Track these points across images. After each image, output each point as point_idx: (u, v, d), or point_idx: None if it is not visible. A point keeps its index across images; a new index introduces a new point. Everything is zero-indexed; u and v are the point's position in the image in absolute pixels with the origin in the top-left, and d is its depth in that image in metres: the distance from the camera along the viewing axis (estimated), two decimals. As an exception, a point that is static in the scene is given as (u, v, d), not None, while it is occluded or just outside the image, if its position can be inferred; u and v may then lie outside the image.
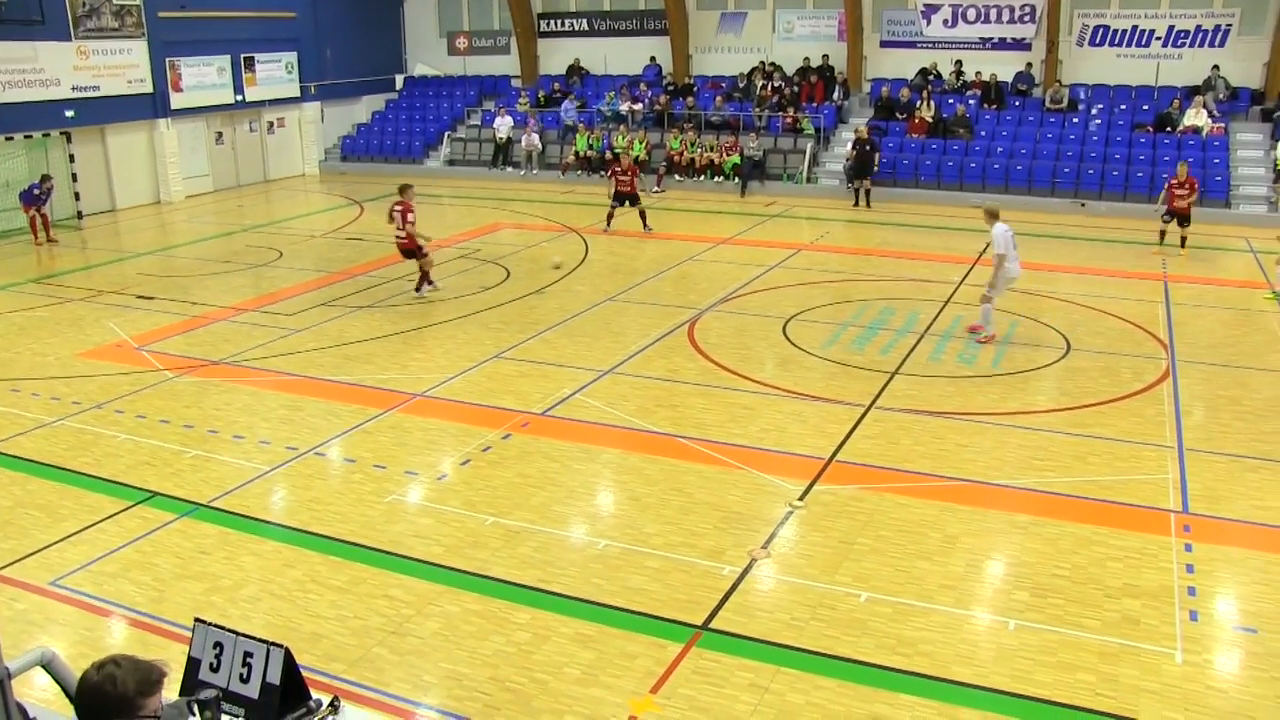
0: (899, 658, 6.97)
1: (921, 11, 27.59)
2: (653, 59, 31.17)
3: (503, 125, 29.57)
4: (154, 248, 21.32)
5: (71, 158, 24.52)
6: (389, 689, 6.70)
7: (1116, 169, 23.74)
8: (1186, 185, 19.19)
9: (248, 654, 4.42)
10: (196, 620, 4.68)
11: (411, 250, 16.16)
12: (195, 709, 4.11)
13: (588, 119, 29.41)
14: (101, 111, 24.82)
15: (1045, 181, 24.21)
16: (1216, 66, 24.97)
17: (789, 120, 27.47)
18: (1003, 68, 27.03)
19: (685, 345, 13.93)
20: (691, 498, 9.41)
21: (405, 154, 31.08)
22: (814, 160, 26.84)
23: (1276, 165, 22.36)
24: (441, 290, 16.50)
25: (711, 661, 6.95)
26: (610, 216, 21.52)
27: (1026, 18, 26.64)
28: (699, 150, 27.35)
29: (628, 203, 21.30)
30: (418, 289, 16.31)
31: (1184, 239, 19.46)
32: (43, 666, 4.42)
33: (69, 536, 8.80)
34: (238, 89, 28.51)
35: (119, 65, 25.18)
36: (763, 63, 29.51)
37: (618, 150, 27.65)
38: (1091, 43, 26.50)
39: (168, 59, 26.21)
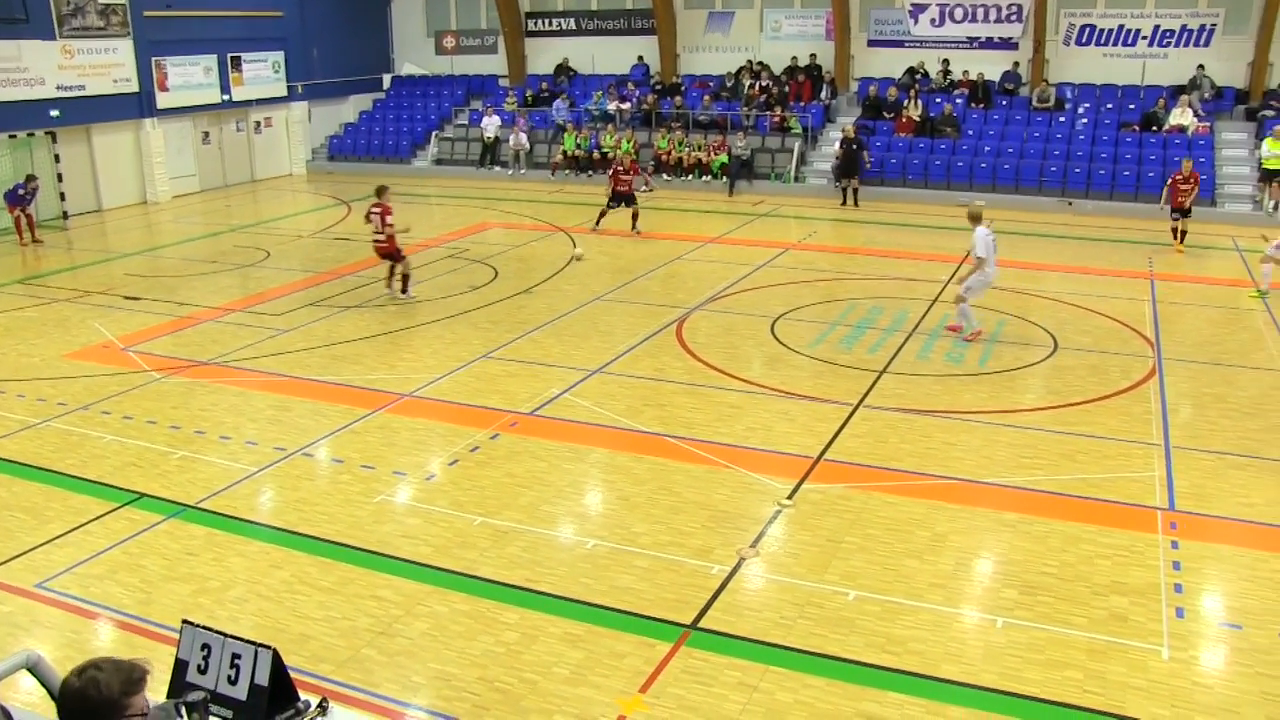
0: (888, 656, 6.99)
1: (909, 11, 27.67)
2: (640, 58, 31.16)
3: (490, 125, 29.53)
4: (140, 248, 21.23)
5: (57, 157, 24.41)
6: (378, 690, 6.69)
7: (1103, 168, 23.84)
8: (1190, 180, 19.31)
9: (235, 655, 4.40)
10: (184, 622, 4.66)
11: (390, 253, 15.96)
12: (183, 711, 4.10)
13: (575, 118, 29.39)
14: (87, 111, 24.68)
15: (1032, 180, 24.29)
16: (1201, 66, 25.11)
17: (776, 119, 27.50)
18: (990, 67, 27.12)
19: (673, 344, 13.94)
20: (680, 497, 9.41)
21: (393, 154, 31.01)
22: (802, 159, 26.89)
23: (1261, 164, 22.48)
24: (415, 298, 16.16)
25: (700, 660, 6.95)
26: (602, 215, 21.44)
27: (1013, 17, 26.74)
28: (687, 150, 27.36)
29: (624, 203, 21.19)
30: (404, 290, 16.17)
31: (1183, 233, 19.62)
32: (28, 669, 4.39)
33: (55, 539, 8.76)
34: (224, 88, 28.39)
35: (104, 64, 25.05)
36: (750, 62, 29.54)
37: (606, 149, 27.68)
38: (1078, 42, 26.60)
39: (154, 58, 26.08)
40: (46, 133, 24.17)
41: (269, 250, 20.35)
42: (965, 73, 27.23)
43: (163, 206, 26.14)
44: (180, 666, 4.50)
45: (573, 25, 32.09)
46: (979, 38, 27.46)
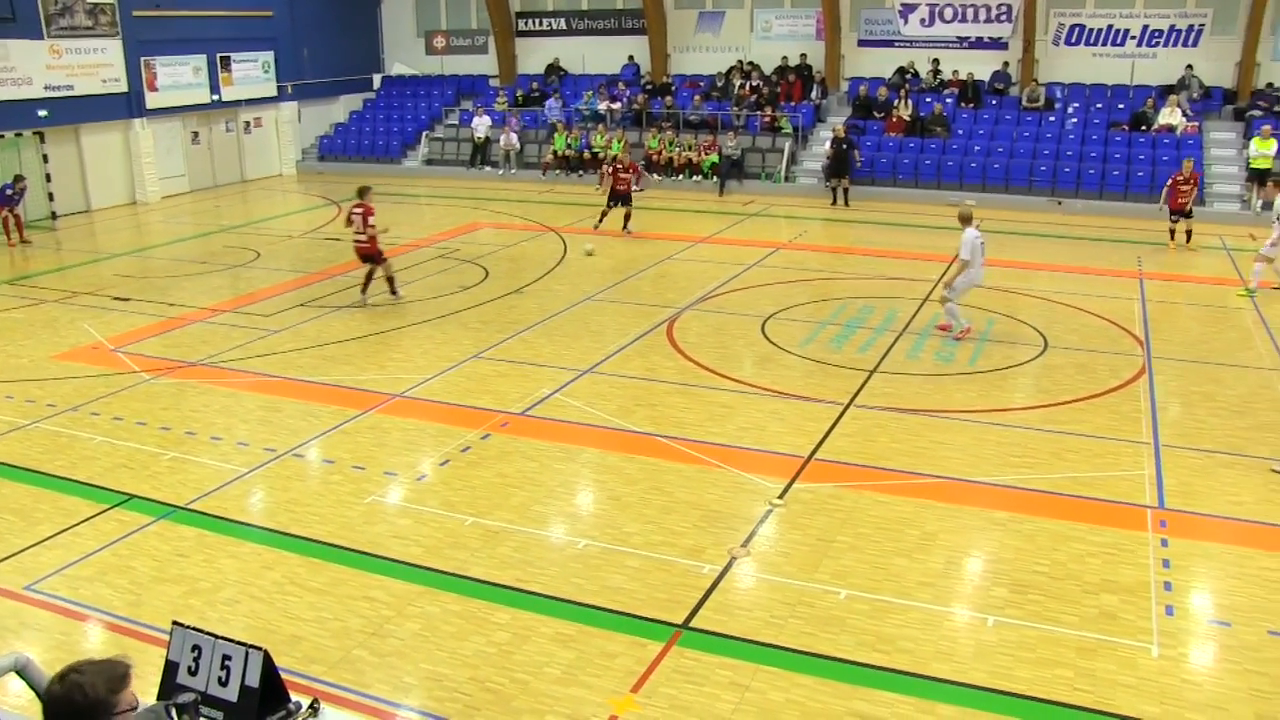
0: (878, 655, 7.00)
1: (899, 11, 27.73)
2: (631, 58, 31.17)
3: (480, 125, 29.50)
4: (130, 249, 21.16)
5: (45, 158, 24.34)
6: (369, 691, 6.68)
7: (1093, 167, 23.92)
8: (1191, 181, 19.39)
9: (226, 657, 4.40)
10: (174, 624, 4.66)
11: (371, 255, 15.67)
12: (173, 713, 4.09)
13: (566, 118, 29.39)
14: (75, 111, 24.60)
15: (1022, 180, 24.36)
16: (1190, 66, 25.21)
17: (767, 119, 27.52)
18: (980, 67, 27.20)
19: (664, 344, 13.94)
20: (671, 497, 9.42)
21: (383, 154, 30.97)
22: (792, 159, 26.92)
23: (1249, 164, 22.58)
24: (403, 299, 16.05)
25: (692, 660, 6.96)
26: (604, 215, 21.34)
27: (1003, 17, 26.82)
28: (677, 149, 27.36)
29: (620, 202, 21.13)
30: (393, 291, 15.99)
31: (1189, 233, 19.71)
32: (16, 672, 4.39)
33: (44, 540, 8.72)
34: (214, 88, 28.30)
35: (93, 64, 24.95)
36: (741, 62, 29.56)
37: (597, 149, 27.68)
38: (1067, 42, 26.69)
39: (143, 58, 25.97)
40: (34, 133, 24.09)
41: (259, 251, 20.30)
42: (955, 72, 27.30)
43: (152, 207, 26.06)
44: (171, 668, 4.50)
45: (563, 25, 32.09)
46: (969, 37, 27.53)
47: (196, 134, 28.43)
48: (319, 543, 8.65)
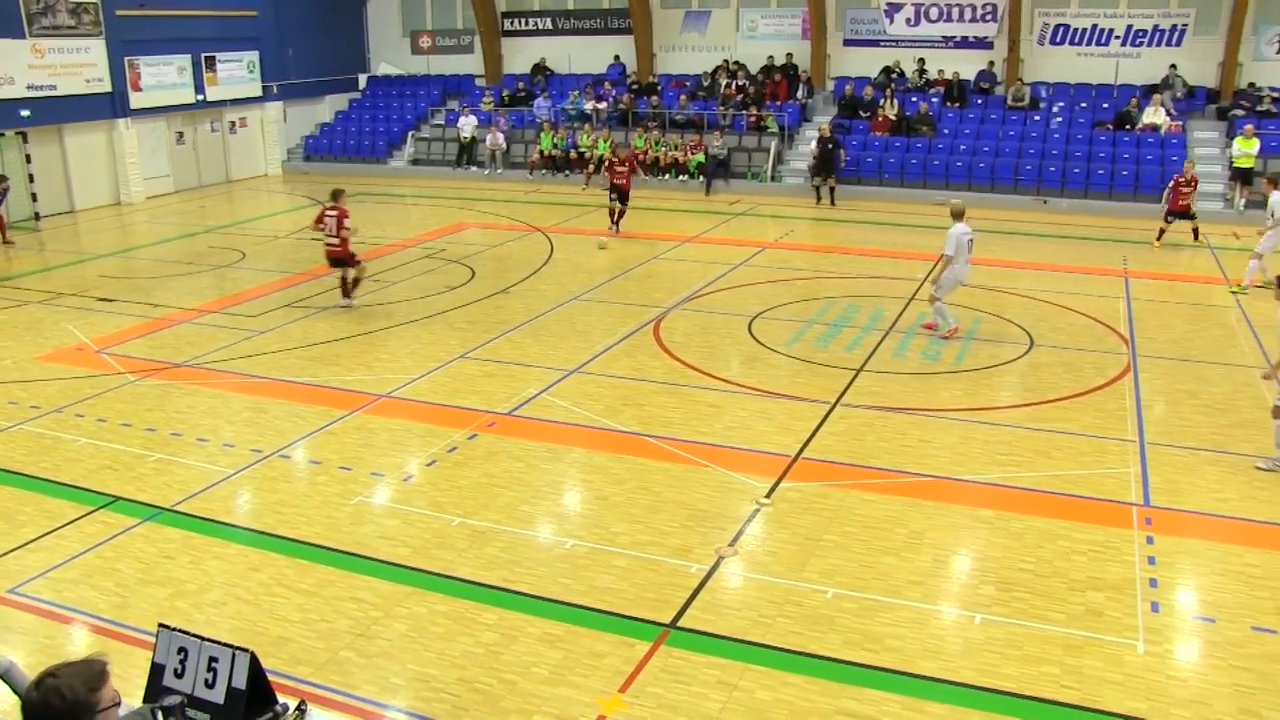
0: (866, 653, 7.02)
1: (884, 10, 27.79)
2: (617, 58, 31.17)
3: (466, 125, 29.45)
4: (114, 249, 21.05)
5: (28, 158, 24.18)
6: (357, 692, 6.66)
7: (1078, 166, 24.03)
8: (1192, 183, 19.55)
9: (213, 659, 4.38)
10: (160, 626, 4.64)
11: (343, 258, 15.53)
12: (159, 715, 4.07)
13: (552, 118, 29.36)
14: (59, 111, 24.44)
15: (1008, 179, 24.45)
16: (1174, 65, 25.35)
17: (753, 119, 27.55)
18: (965, 66, 27.30)
19: (651, 344, 13.94)
20: (658, 496, 9.42)
21: (369, 154, 30.89)
22: (778, 159, 26.96)
23: (1232, 163, 22.72)
24: (356, 306, 15.81)
25: (680, 660, 6.96)
26: (612, 213, 21.17)
27: (988, 16, 26.91)
28: (663, 149, 27.37)
29: (617, 199, 21.08)
30: (347, 295, 15.74)
31: (1195, 230, 19.88)
32: (0, 677, 4.35)
33: (28, 543, 8.67)
34: (199, 88, 28.16)
35: (76, 64, 24.81)
36: (727, 61, 29.59)
37: (583, 149, 27.66)
38: (1052, 41, 26.80)
39: (127, 58, 25.83)
40: (17, 133, 23.93)
41: (244, 251, 20.22)
42: (941, 72, 27.39)
43: (137, 207, 25.93)
44: (156, 671, 4.48)
45: (549, 25, 32.06)
46: (954, 37, 27.62)
47: (181, 134, 28.30)
48: (306, 544, 8.62)
